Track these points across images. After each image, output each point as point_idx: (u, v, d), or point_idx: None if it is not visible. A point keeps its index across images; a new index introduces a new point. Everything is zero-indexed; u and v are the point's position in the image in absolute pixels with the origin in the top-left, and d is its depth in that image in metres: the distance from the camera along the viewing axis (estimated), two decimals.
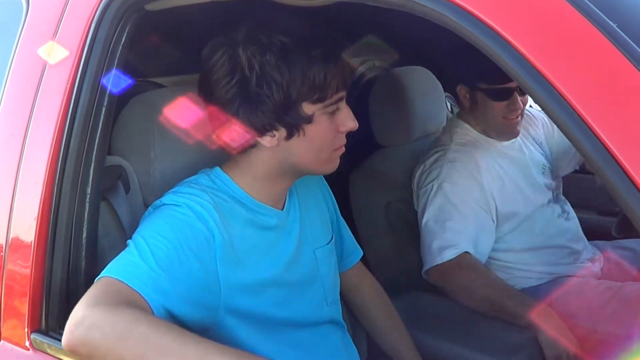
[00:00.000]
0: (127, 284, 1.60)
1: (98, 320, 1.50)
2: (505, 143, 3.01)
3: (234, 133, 1.84)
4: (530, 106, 3.20)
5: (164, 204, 1.82)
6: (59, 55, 1.93)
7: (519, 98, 2.85)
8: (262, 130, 1.83)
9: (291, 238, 2.03)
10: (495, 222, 2.88)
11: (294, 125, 1.83)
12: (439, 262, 2.81)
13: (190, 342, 1.45)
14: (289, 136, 1.85)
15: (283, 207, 2.03)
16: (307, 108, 1.82)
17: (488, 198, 2.87)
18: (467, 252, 2.79)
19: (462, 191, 2.85)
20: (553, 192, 3.05)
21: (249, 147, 1.88)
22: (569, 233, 3.02)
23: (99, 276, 1.64)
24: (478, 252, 2.84)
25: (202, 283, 1.75)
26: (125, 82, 1.93)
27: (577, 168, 3.29)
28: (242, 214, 1.89)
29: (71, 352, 1.54)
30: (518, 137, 3.04)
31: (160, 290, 1.63)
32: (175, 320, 1.66)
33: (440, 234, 2.83)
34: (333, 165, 1.97)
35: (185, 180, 1.93)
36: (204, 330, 1.80)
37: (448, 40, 2.32)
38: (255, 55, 1.76)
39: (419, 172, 3.04)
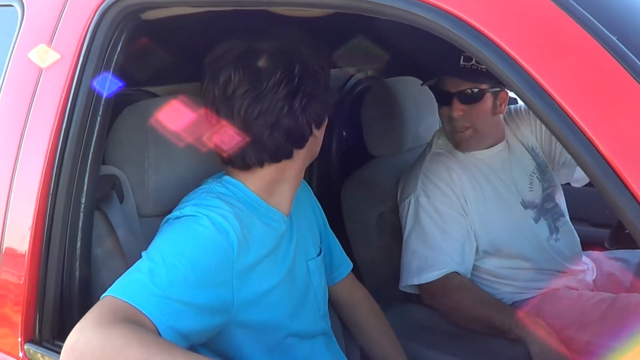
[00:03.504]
0: (132, 305, 1.56)
1: (91, 345, 1.47)
2: (487, 152, 2.98)
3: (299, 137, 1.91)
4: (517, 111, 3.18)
5: (185, 216, 1.79)
6: (51, 59, 1.93)
7: (459, 107, 2.80)
8: (320, 125, 1.96)
9: (291, 246, 2.03)
10: (473, 230, 2.87)
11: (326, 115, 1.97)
12: (416, 283, 2.81)
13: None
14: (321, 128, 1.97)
15: (288, 214, 2.03)
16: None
17: (463, 204, 2.85)
18: (453, 272, 2.78)
19: (439, 203, 2.84)
20: (539, 209, 2.99)
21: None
22: (560, 255, 2.97)
23: (104, 294, 1.60)
24: (465, 264, 2.83)
25: (215, 302, 1.74)
26: (120, 90, 1.93)
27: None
28: (257, 221, 1.89)
29: None
30: (504, 144, 3.02)
31: (168, 313, 1.60)
32: (183, 336, 1.64)
33: (421, 253, 2.83)
34: None
35: (198, 189, 1.92)
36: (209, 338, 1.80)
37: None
38: (308, 59, 1.88)
39: (400, 184, 3.05)
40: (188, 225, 1.77)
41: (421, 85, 3.04)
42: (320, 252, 2.23)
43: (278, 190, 1.96)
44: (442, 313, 2.82)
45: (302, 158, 1.96)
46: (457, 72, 2.75)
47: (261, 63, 1.82)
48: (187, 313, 1.64)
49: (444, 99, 2.87)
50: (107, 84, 1.88)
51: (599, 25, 1.36)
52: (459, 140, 2.90)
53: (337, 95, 1.93)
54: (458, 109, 2.81)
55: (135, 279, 1.63)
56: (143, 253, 1.72)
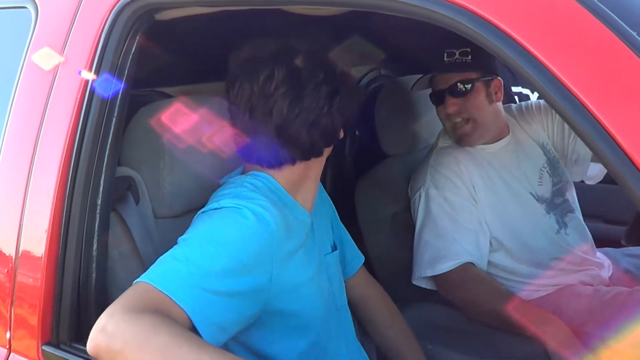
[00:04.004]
0: (166, 294, 1.55)
1: (120, 329, 1.46)
2: (494, 146, 2.98)
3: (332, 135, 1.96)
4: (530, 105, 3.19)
5: (224, 207, 1.78)
6: (53, 61, 1.93)
7: (452, 101, 2.83)
8: (348, 123, 2.02)
9: (315, 241, 2.04)
10: (484, 220, 2.86)
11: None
12: (430, 274, 2.80)
13: (208, 355, 1.42)
14: None
15: (311, 211, 2.04)
16: None
17: (472, 193, 2.85)
18: (469, 263, 2.76)
19: (450, 194, 2.84)
20: (548, 203, 2.99)
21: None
22: (571, 248, 2.95)
23: (138, 279, 1.59)
24: (480, 255, 2.81)
25: (253, 291, 1.74)
26: (134, 91, 1.93)
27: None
28: (288, 213, 1.89)
29: (94, 356, 1.50)
30: (510, 138, 3.02)
31: (203, 304, 1.59)
32: (219, 328, 1.63)
33: (433, 245, 2.82)
34: None
35: (230, 183, 1.91)
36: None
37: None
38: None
39: (410, 180, 3.06)
40: (229, 216, 1.75)
41: (411, 89, 3.04)
42: (336, 247, 2.24)
43: (304, 187, 1.98)
44: (458, 306, 2.81)
45: (325, 155, 1.99)
46: (442, 67, 2.79)
47: (299, 62, 1.86)
48: (223, 304, 1.64)
49: (437, 99, 2.90)
50: (122, 85, 1.88)
51: (620, 21, 1.35)
52: (460, 135, 2.90)
53: (365, 94, 1.98)
54: (452, 104, 2.83)
55: (171, 267, 1.62)
56: (179, 239, 1.72)
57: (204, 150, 2.06)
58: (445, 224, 2.81)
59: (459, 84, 2.80)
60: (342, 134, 1.99)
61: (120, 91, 1.87)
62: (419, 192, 2.91)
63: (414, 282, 2.87)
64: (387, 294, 2.51)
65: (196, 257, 1.63)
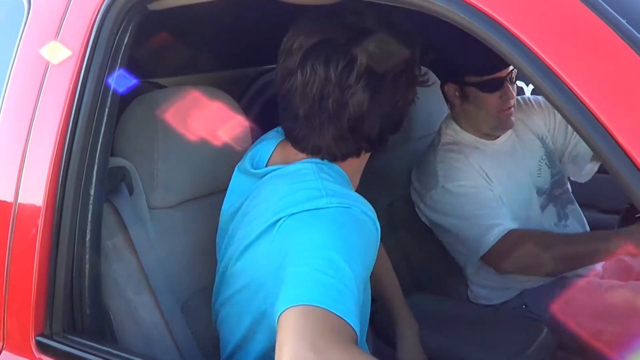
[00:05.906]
0: (339, 316, 1.40)
1: None
2: (497, 142, 2.99)
3: None
4: (529, 98, 3.20)
5: (330, 207, 1.60)
6: (62, 55, 1.91)
7: (510, 87, 2.82)
8: None
9: None
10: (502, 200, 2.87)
11: None
12: (482, 254, 2.78)
13: None
14: None
15: None
16: None
17: (486, 179, 2.86)
18: (511, 230, 2.74)
19: (466, 182, 2.84)
20: (547, 195, 3.01)
21: None
22: None
23: (296, 303, 1.42)
24: (513, 221, 2.81)
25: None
26: (129, 82, 1.92)
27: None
28: None
29: None
30: (510, 132, 3.02)
31: (355, 311, 1.45)
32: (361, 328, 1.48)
33: (475, 223, 2.80)
34: None
35: (302, 172, 1.73)
36: None
37: (441, 37, 2.34)
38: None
39: (414, 176, 3.05)
40: (343, 218, 1.59)
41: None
42: None
43: (357, 177, 1.90)
44: (520, 271, 2.82)
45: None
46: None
47: (376, 48, 1.67)
48: (359, 303, 1.51)
49: (496, 86, 2.82)
50: (115, 76, 1.87)
51: (622, 19, 1.34)
52: (509, 116, 2.89)
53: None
54: (510, 90, 2.84)
55: (327, 283, 1.46)
56: (302, 249, 1.55)
57: (198, 141, 2.05)
58: (470, 210, 2.81)
59: (512, 73, 2.81)
60: None
61: (113, 82, 1.86)
62: (434, 190, 2.90)
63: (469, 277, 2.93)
64: None
65: (341, 267, 1.48)
